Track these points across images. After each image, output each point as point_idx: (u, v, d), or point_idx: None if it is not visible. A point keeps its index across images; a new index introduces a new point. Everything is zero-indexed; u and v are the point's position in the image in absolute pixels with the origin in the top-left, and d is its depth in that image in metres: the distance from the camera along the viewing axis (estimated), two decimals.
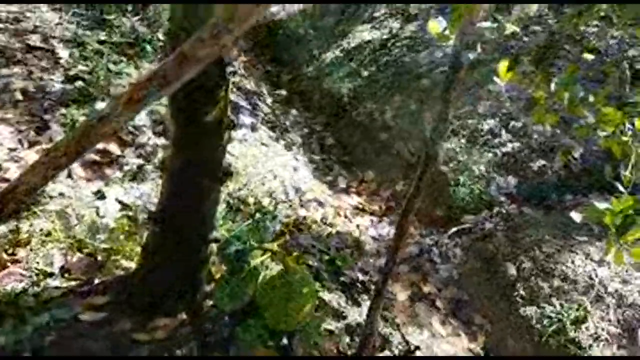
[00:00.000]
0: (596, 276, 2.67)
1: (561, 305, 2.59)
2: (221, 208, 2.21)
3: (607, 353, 2.40)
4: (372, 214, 3.56)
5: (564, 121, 3.18)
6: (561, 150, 3.33)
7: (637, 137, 1.91)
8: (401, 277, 3.01)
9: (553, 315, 2.57)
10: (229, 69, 1.27)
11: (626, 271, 2.67)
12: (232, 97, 3.63)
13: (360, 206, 3.60)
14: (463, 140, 3.66)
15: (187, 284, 1.60)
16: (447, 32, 1.54)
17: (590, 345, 2.43)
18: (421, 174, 1.33)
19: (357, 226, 3.31)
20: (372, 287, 2.47)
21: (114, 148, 2.55)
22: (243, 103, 3.56)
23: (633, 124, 1.91)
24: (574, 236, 2.91)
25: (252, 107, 3.65)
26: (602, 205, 1.96)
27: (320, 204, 3.08)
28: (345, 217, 3.33)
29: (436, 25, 1.67)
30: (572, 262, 2.76)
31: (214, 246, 1.58)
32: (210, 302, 1.66)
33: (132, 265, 1.86)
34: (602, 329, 2.48)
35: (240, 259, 1.53)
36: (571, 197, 3.41)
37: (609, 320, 2.51)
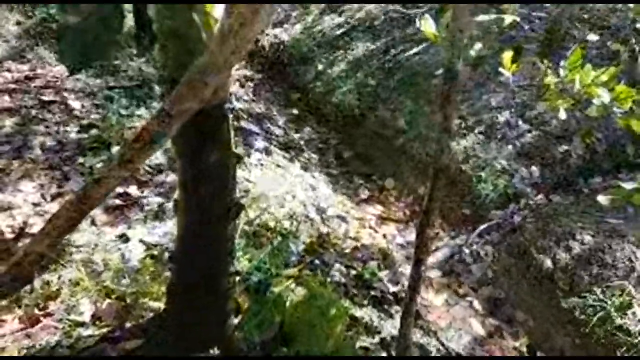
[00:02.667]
0: (636, 259, 2.56)
1: (603, 292, 2.49)
2: (242, 237, 2.22)
3: None
4: (396, 221, 3.53)
5: (578, 103, 3.09)
6: (581, 133, 3.24)
7: None
8: (434, 281, 2.96)
9: (596, 303, 2.48)
10: (228, 105, 1.28)
11: None
12: (244, 123, 3.68)
13: (384, 215, 3.57)
14: (480, 136, 3.60)
15: (214, 319, 1.61)
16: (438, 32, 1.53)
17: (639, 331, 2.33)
18: (432, 185, 1.31)
19: (384, 236, 3.27)
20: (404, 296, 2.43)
21: (133, 190, 2.60)
22: (255, 128, 3.59)
23: None
24: (607, 219, 2.81)
25: (265, 131, 3.68)
26: (629, 186, 1.89)
27: (343, 218, 3.06)
28: (370, 227, 3.31)
29: (428, 25, 1.66)
30: (609, 246, 2.66)
31: (236, 279, 1.59)
32: (240, 335, 1.66)
33: (161, 305, 1.87)
34: None
35: (264, 288, 1.53)
36: (599, 179, 3.30)
37: None
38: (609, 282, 2.52)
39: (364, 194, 3.72)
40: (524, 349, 2.55)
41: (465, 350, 2.45)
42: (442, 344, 2.27)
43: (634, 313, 2.39)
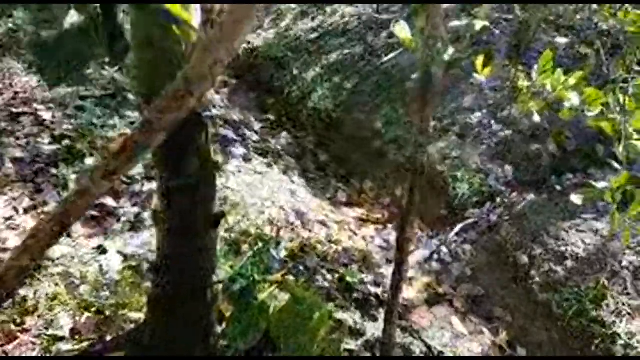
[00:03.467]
0: (608, 252, 2.64)
1: (578, 286, 2.57)
2: (222, 244, 2.20)
3: (632, 328, 2.37)
4: (376, 222, 3.55)
5: (549, 106, 3.18)
6: (553, 133, 3.33)
7: (626, 114, 1.91)
8: (414, 282, 2.99)
9: (572, 297, 2.55)
10: (206, 113, 1.28)
11: (638, 243, 2.65)
12: (221, 130, 3.66)
13: (364, 217, 3.59)
14: (454, 137, 3.67)
15: (197, 328, 1.59)
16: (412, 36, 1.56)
17: (614, 322, 2.40)
18: (411, 187, 1.33)
19: (363, 238, 3.29)
20: (386, 298, 2.45)
21: (109, 200, 2.55)
22: (232, 135, 3.58)
23: (618, 101, 1.92)
24: (579, 215, 2.90)
25: (242, 138, 3.66)
26: (600, 185, 1.96)
27: (323, 222, 3.07)
28: (350, 230, 3.32)
29: (402, 29, 1.68)
30: (582, 241, 2.74)
31: (218, 287, 1.58)
32: (225, 343, 1.65)
33: (141, 316, 1.85)
34: (623, 304, 2.45)
35: (246, 295, 1.52)
36: (571, 176, 3.40)
37: (628, 294, 2.48)
38: (583, 276, 2.60)
39: (343, 197, 3.74)
40: (504, 344, 2.60)
41: (447, 349, 2.48)
42: (425, 344, 2.30)
43: (607, 305, 2.47)
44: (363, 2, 4.88)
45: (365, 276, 2.62)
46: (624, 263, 2.57)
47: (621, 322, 2.39)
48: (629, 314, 2.42)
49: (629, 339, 2.33)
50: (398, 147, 3.83)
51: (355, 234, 3.31)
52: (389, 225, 3.49)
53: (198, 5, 1.03)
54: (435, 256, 3.21)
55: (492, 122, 3.66)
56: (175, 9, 0.95)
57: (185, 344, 1.59)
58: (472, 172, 3.45)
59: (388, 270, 2.86)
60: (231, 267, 1.89)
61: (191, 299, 1.49)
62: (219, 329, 1.66)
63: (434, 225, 3.51)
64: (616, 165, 1.95)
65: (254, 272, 1.75)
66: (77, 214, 0.94)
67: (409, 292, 2.89)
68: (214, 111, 3.72)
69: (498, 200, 3.32)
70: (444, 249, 3.23)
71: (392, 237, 3.31)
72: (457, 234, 3.27)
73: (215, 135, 3.50)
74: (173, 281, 1.47)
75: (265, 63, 5.09)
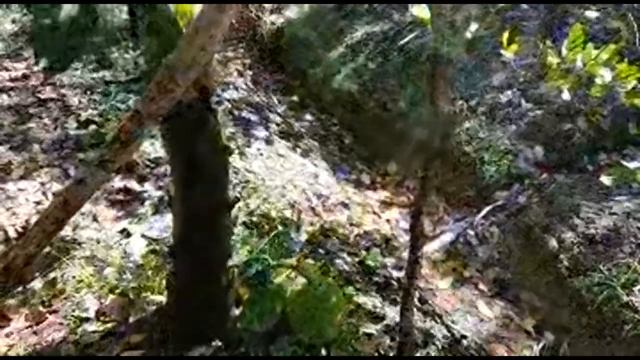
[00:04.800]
0: None
1: (609, 270, 2.48)
2: (242, 228, 2.22)
3: None
4: (400, 205, 3.51)
5: (580, 82, 3.04)
6: (586, 112, 3.19)
7: None
8: (439, 265, 2.95)
9: (602, 281, 2.46)
10: (215, 98, 1.27)
11: None
12: (244, 113, 3.66)
13: (388, 200, 3.55)
14: (483, 117, 3.56)
15: (215, 311, 1.61)
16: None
17: None
18: (425, 172, 1.29)
19: (387, 221, 3.26)
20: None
21: (134, 184, 2.60)
22: (254, 117, 3.57)
23: None
24: (611, 197, 2.78)
25: (265, 120, 3.66)
26: (631, 165, 1.87)
27: (345, 205, 3.05)
28: (374, 213, 3.29)
29: (421, 10, 1.62)
30: (614, 224, 2.64)
31: (235, 271, 1.59)
32: (242, 325, 1.66)
33: (163, 299, 1.88)
34: None
35: (262, 279, 1.53)
36: (604, 157, 3.26)
37: None
38: (614, 260, 2.50)
39: (367, 179, 3.70)
40: (531, 329, 2.55)
41: (471, 333, 2.44)
42: (447, 327, 2.27)
43: None
44: (377, 2, 4.73)
45: (387, 260, 2.60)
46: None
47: None
48: None
49: None
50: (422, 128, 3.74)
51: (379, 216, 3.28)
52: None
53: None
54: (462, 239, 3.16)
55: (522, 100, 3.53)
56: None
57: (203, 327, 1.61)
58: (500, 153, 3.35)
59: None
60: (250, 251, 1.90)
61: (207, 283, 1.51)
62: (236, 312, 1.68)
63: (460, 208, 3.45)
64: None
65: (271, 255, 1.75)
66: (77, 203, 0.95)
67: (433, 276, 2.86)
68: (237, 94, 3.72)
69: (527, 181, 3.22)
70: (470, 231, 3.17)
71: None
72: (484, 217, 3.20)
73: (239, 118, 3.50)
74: (188, 265, 1.49)
75: (289, 44, 5.04)
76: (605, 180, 1.74)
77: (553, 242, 2.74)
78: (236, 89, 3.83)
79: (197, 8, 1.05)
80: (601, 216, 2.69)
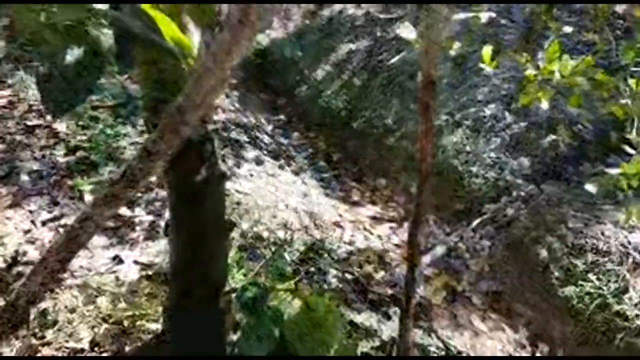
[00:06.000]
0: (629, 243, 2.59)
1: (599, 279, 2.52)
2: (236, 250, 2.21)
3: None
4: (391, 221, 3.53)
5: (561, 94, 3.12)
6: (566, 123, 3.27)
7: (637, 98, 1.86)
8: (432, 280, 2.97)
9: (593, 290, 2.50)
10: (211, 127, 1.28)
11: None
12: (232, 134, 3.67)
13: (378, 215, 3.57)
14: (468, 131, 3.62)
15: (212, 338, 1.60)
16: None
17: (637, 315, 2.35)
18: (420, 192, 1.31)
19: (379, 237, 3.28)
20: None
21: (124, 210, 2.58)
22: (244, 138, 3.59)
23: (629, 86, 1.87)
24: (599, 206, 2.83)
25: (254, 140, 3.67)
26: (614, 171, 1.92)
27: (337, 223, 3.06)
28: (365, 229, 3.31)
29: (407, 31, 1.66)
30: (602, 233, 2.69)
31: (232, 296, 1.58)
32: (240, 351, 1.65)
33: (159, 326, 1.87)
34: None
35: (259, 303, 1.53)
36: (589, 166, 3.33)
37: None
38: (604, 269, 2.54)
39: (357, 196, 3.72)
40: (525, 341, 2.57)
41: (467, 347, 2.46)
42: (443, 342, 2.28)
43: (630, 298, 2.42)
44: (368, 2, 4.83)
45: (381, 276, 2.61)
46: None
47: None
48: None
49: None
50: (411, 143, 3.79)
51: (371, 233, 3.30)
52: (405, 223, 3.47)
53: (195, 29, 1.03)
54: (453, 253, 3.18)
55: (506, 113, 3.60)
56: (174, 33, 0.95)
57: (200, 352, 1.60)
58: (487, 166, 3.40)
59: (404, 269, 2.85)
60: (244, 275, 1.90)
61: (203, 308, 1.50)
62: (234, 338, 1.67)
63: (450, 221, 3.48)
64: (630, 150, 1.90)
65: (268, 278, 1.75)
66: (82, 240, 0.95)
67: (426, 290, 2.87)
68: (224, 115, 3.73)
69: (514, 193, 3.27)
70: (461, 245, 3.20)
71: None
72: (474, 230, 3.24)
73: (228, 140, 3.51)
74: (184, 292, 1.48)
75: (275, 64, 5.09)
76: (590, 188, 1.77)
77: (543, 253, 2.78)
78: (224, 110, 3.84)
79: (195, 39, 1.07)
80: (589, 225, 2.74)
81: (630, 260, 2.52)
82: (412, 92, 3.99)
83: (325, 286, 2.26)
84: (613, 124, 3.36)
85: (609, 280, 2.49)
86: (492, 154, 3.43)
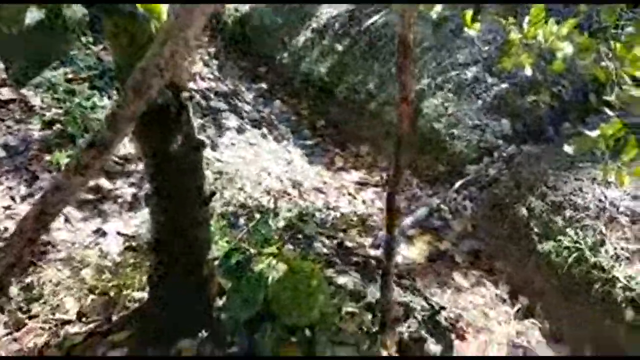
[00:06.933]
0: (606, 198, 2.64)
1: (577, 234, 2.58)
2: (219, 219, 2.22)
3: (631, 271, 2.39)
4: (375, 185, 3.56)
5: (543, 58, 3.12)
6: (548, 84, 3.29)
7: (617, 60, 1.87)
8: (416, 240, 3.02)
9: (571, 245, 2.56)
10: (185, 94, 1.26)
11: (634, 187, 2.64)
12: (212, 103, 3.63)
13: (362, 181, 3.59)
14: (450, 94, 3.61)
15: (198, 304, 1.63)
16: None
17: (613, 266, 2.42)
18: (397, 155, 1.32)
19: (363, 201, 3.31)
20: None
21: (104, 182, 2.56)
22: (224, 107, 3.54)
23: (610, 48, 1.88)
24: (577, 164, 2.88)
25: (234, 109, 3.63)
26: (593, 133, 1.94)
27: (321, 189, 3.08)
28: (349, 195, 3.33)
29: None
30: (580, 189, 2.74)
31: (215, 262, 1.60)
32: (226, 315, 1.68)
33: (144, 295, 1.88)
34: (622, 249, 2.46)
35: (243, 269, 1.55)
36: (569, 126, 3.37)
37: (627, 239, 2.49)
38: (582, 224, 2.60)
39: (340, 162, 3.73)
40: (506, 296, 2.64)
41: (449, 304, 2.52)
42: (426, 300, 2.34)
43: (606, 250, 2.48)
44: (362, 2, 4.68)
45: (365, 239, 2.64)
46: (622, 209, 2.57)
47: (620, 266, 2.41)
48: (627, 258, 2.43)
49: (627, 281, 2.35)
50: (393, 108, 3.78)
51: (355, 198, 3.33)
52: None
53: None
54: (436, 214, 3.23)
55: (487, 76, 3.60)
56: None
57: (187, 320, 1.63)
58: (468, 128, 3.42)
59: None
60: (228, 242, 1.91)
61: (187, 276, 1.52)
62: (219, 303, 1.70)
63: (433, 183, 3.52)
64: (609, 112, 1.93)
65: (251, 244, 1.77)
66: (54, 210, 0.94)
67: (410, 251, 2.92)
68: (204, 84, 3.67)
69: (496, 154, 3.31)
70: (444, 206, 3.24)
71: None
72: (456, 191, 3.28)
73: (208, 108, 3.47)
74: (168, 260, 1.49)
75: (254, 31, 4.99)
76: (569, 149, 1.80)
77: (523, 211, 2.83)
78: (203, 79, 3.78)
79: (165, 7, 1.04)
80: (567, 183, 2.79)
81: (607, 214, 2.58)
82: (393, 57, 3.95)
83: (310, 251, 2.28)
84: (593, 86, 3.39)
85: (586, 235, 2.55)
86: (474, 116, 3.44)
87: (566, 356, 2.20)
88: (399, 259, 2.78)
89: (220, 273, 1.63)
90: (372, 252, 2.53)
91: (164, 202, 1.39)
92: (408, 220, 3.08)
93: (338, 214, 2.81)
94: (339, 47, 4.34)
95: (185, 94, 1.26)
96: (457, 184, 3.27)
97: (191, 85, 3.60)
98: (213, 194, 1.46)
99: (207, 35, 4.80)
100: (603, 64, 1.91)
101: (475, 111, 3.46)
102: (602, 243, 2.50)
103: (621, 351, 2.27)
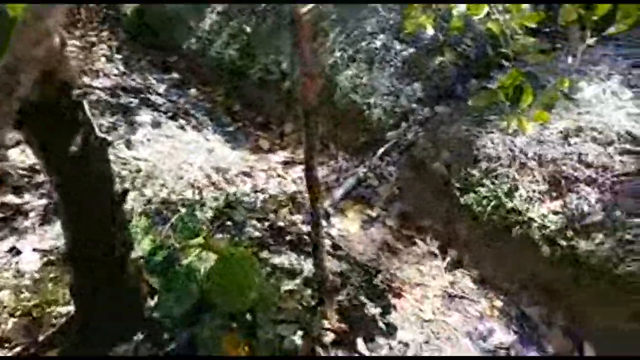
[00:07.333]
0: (515, 146, 2.82)
1: (493, 183, 2.74)
2: (141, 218, 2.14)
3: (543, 210, 2.58)
4: (302, 163, 3.56)
5: (443, 18, 3.24)
6: (447, 48, 3.43)
7: (508, 13, 1.97)
8: (347, 211, 3.08)
9: (489, 194, 2.72)
10: (77, 92, 1.18)
11: (538, 132, 2.84)
12: (121, 100, 3.45)
13: (289, 160, 3.59)
14: (362, 64, 3.67)
15: (128, 307, 1.57)
16: None
17: (528, 208, 2.60)
18: (306, 128, 1.32)
19: (293, 181, 3.31)
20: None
21: (11, 198, 2.38)
22: (135, 102, 3.39)
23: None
24: (486, 117, 3.04)
25: (146, 103, 3.48)
26: (493, 85, 2.05)
27: (247, 174, 3.04)
28: (279, 176, 3.33)
29: None
30: (492, 141, 2.90)
31: (139, 263, 1.54)
32: (160, 313, 1.64)
33: (71, 308, 1.79)
34: (533, 191, 2.65)
35: (171, 264, 1.51)
36: (475, 82, 3.54)
37: (537, 181, 2.68)
38: (497, 173, 2.77)
39: (265, 144, 3.70)
40: (436, 250, 2.77)
41: (384, 267, 2.61)
42: (361, 267, 2.40)
43: (520, 195, 2.66)
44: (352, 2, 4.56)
45: (296, 217, 2.66)
46: (530, 154, 2.75)
47: (534, 207, 2.59)
48: (539, 199, 2.62)
49: (542, 220, 2.54)
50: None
51: (284, 178, 3.32)
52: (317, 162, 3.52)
53: None
54: (363, 183, 3.30)
55: (396, 42, 3.68)
56: None
57: (119, 324, 1.57)
58: (383, 95, 3.50)
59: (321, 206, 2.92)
60: (152, 240, 1.85)
61: (111, 280, 1.46)
62: (151, 302, 1.65)
63: (357, 154, 3.58)
64: (506, 63, 2.04)
65: (177, 239, 1.72)
66: None
67: (344, 223, 2.98)
68: (108, 81, 3.48)
69: (412, 118, 3.42)
70: (370, 174, 3.32)
71: (321, 172, 3.35)
72: (380, 158, 3.36)
73: (116, 106, 3.30)
74: (87, 267, 1.42)
75: (158, 19, 4.77)
76: (472, 102, 1.90)
77: (442, 169, 2.96)
78: (107, 75, 3.58)
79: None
80: (479, 137, 2.94)
81: (518, 161, 2.76)
82: None
83: (242, 236, 2.27)
84: (492, 40, 3.58)
85: (501, 182, 2.72)
86: (387, 83, 3.52)
87: (558, 356, 2.23)
88: (333, 231, 2.83)
89: (148, 272, 1.58)
90: (305, 229, 2.55)
91: (73, 208, 1.31)
92: (338, 193, 3.13)
93: (267, 196, 2.80)
94: (247, 28, 4.27)
95: (77, 91, 1.18)
96: (380, 151, 3.35)
97: (95, 83, 3.40)
98: (127, 191, 1.40)
99: (106, 29, 4.53)
100: (494, 17, 2.01)
101: (388, 78, 3.54)
102: (516, 188, 2.67)
103: (541, 281, 2.46)
